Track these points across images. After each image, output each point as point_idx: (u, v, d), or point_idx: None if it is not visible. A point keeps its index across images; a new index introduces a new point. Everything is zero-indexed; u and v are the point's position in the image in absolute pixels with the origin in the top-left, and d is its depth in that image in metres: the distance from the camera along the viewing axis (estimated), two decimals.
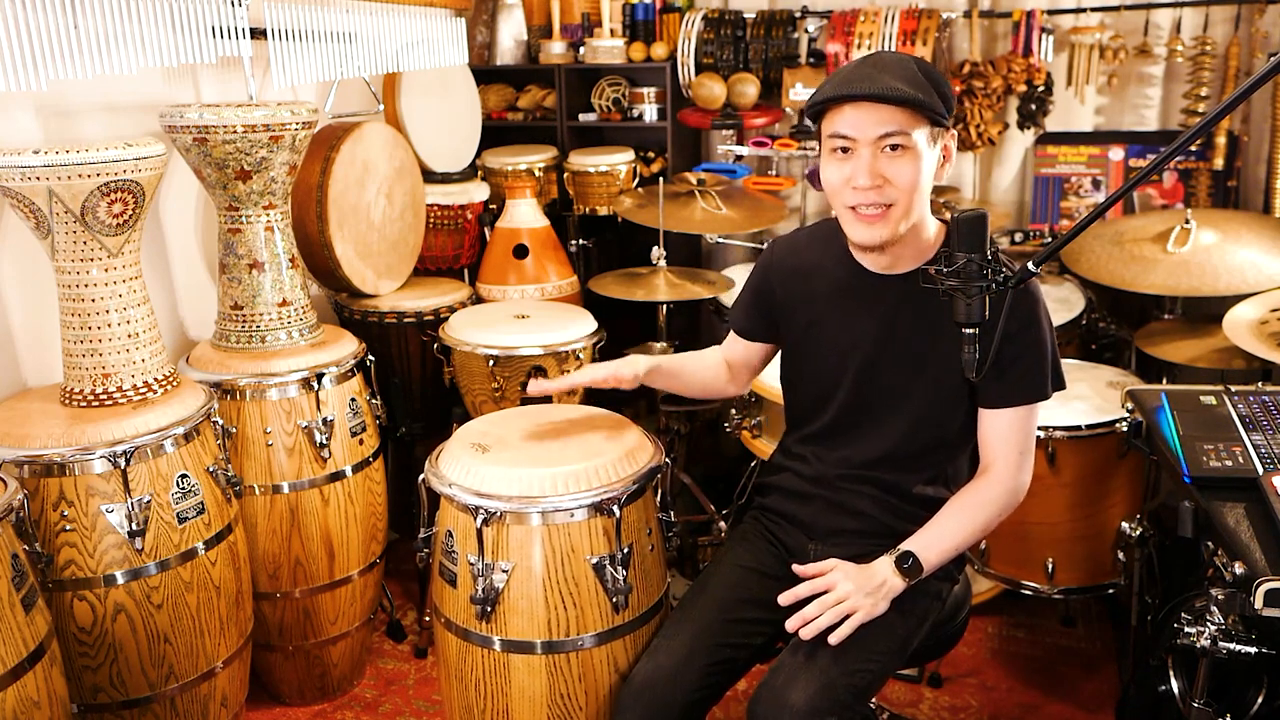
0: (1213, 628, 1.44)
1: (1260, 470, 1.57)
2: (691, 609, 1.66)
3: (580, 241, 3.55)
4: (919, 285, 1.52)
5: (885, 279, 1.62)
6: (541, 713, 1.66)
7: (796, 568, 1.61)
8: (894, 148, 1.47)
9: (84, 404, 1.89)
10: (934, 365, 1.59)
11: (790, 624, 1.52)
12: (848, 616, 1.50)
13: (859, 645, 1.50)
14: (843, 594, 1.52)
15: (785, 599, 1.55)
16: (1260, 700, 1.52)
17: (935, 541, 1.57)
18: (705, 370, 1.89)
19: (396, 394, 2.77)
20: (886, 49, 3.10)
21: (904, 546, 1.57)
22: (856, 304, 1.64)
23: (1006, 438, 1.60)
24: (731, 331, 1.85)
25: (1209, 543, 1.50)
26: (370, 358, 2.46)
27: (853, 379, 1.65)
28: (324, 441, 2.25)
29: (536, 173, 3.39)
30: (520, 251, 3.07)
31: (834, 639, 1.49)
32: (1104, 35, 3.10)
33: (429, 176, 3.09)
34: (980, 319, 1.40)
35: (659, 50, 3.49)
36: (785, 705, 1.45)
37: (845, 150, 1.50)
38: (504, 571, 1.62)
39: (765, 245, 1.82)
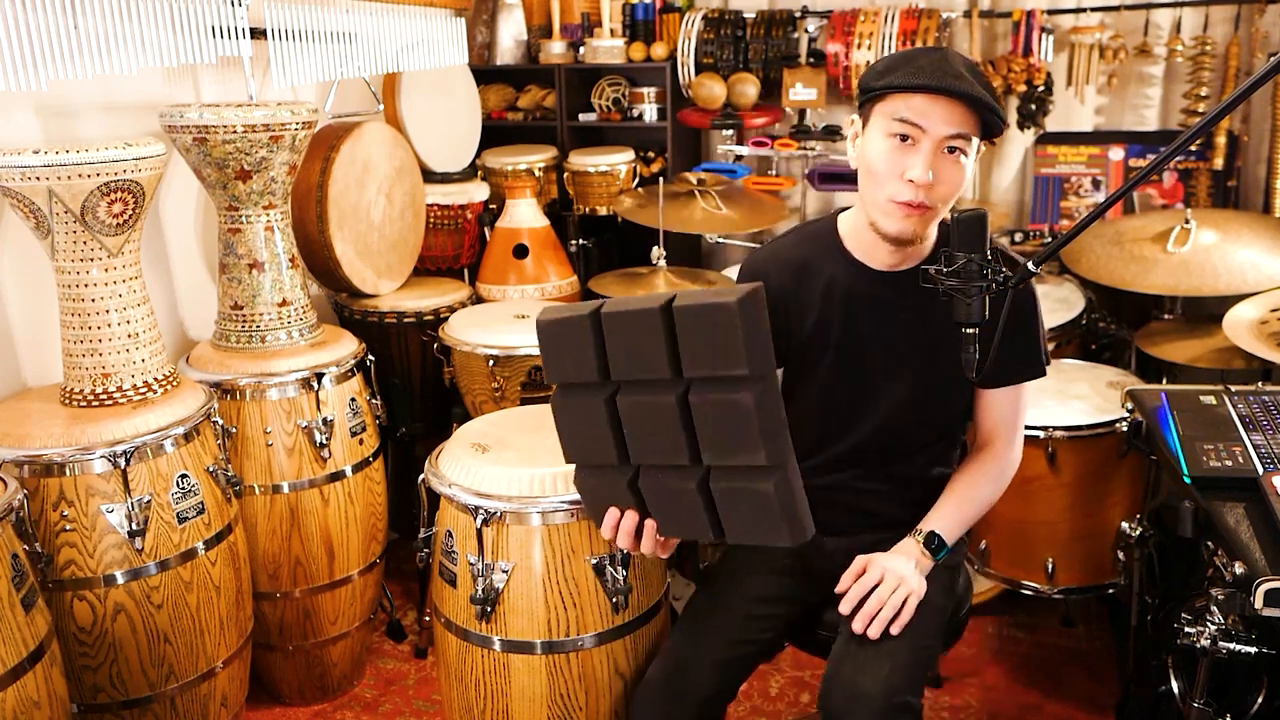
0: (1213, 628, 1.44)
1: (1260, 470, 1.57)
2: (703, 607, 1.66)
3: (580, 241, 3.55)
4: (919, 282, 1.52)
5: (888, 276, 1.61)
6: (541, 713, 1.66)
7: (838, 590, 1.58)
8: (952, 150, 1.45)
9: (84, 404, 1.90)
10: (938, 359, 1.59)
11: (857, 625, 1.51)
12: (903, 603, 1.51)
13: (912, 625, 1.51)
14: (894, 580, 1.52)
15: (845, 606, 1.53)
16: (1260, 700, 1.52)
17: (951, 518, 1.62)
18: None
19: (396, 394, 2.77)
20: (886, 49, 3.10)
21: (925, 527, 1.59)
22: (860, 303, 1.63)
23: (1005, 415, 1.66)
24: None
25: (1209, 543, 1.50)
26: (370, 358, 2.46)
27: (860, 377, 1.65)
28: (324, 441, 2.25)
29: (536, 173, 3.39)
30: (520, 251, 3.07)
31: (896, 628, 1.50)
32: (1104, 35, 3.10)
33: (429, 176, 3.09)
34: (980, 319, 1.40)
35: (659, 50, 3.49)
36: (860, 694, 1.44)
37: (905, 139, 1.45)
38: (504, 571, 1.62)
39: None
